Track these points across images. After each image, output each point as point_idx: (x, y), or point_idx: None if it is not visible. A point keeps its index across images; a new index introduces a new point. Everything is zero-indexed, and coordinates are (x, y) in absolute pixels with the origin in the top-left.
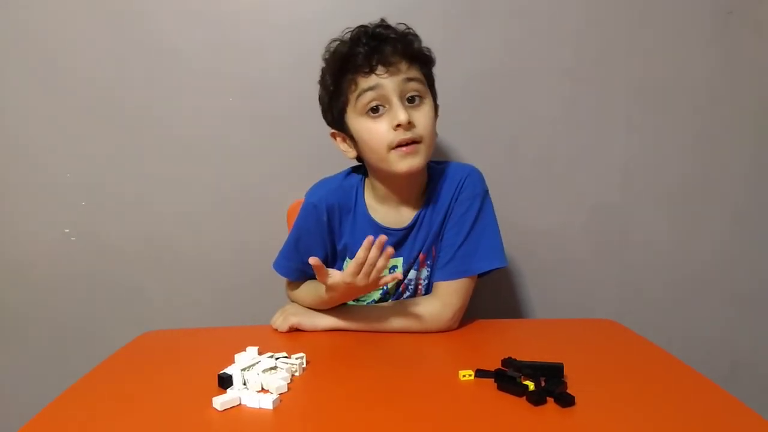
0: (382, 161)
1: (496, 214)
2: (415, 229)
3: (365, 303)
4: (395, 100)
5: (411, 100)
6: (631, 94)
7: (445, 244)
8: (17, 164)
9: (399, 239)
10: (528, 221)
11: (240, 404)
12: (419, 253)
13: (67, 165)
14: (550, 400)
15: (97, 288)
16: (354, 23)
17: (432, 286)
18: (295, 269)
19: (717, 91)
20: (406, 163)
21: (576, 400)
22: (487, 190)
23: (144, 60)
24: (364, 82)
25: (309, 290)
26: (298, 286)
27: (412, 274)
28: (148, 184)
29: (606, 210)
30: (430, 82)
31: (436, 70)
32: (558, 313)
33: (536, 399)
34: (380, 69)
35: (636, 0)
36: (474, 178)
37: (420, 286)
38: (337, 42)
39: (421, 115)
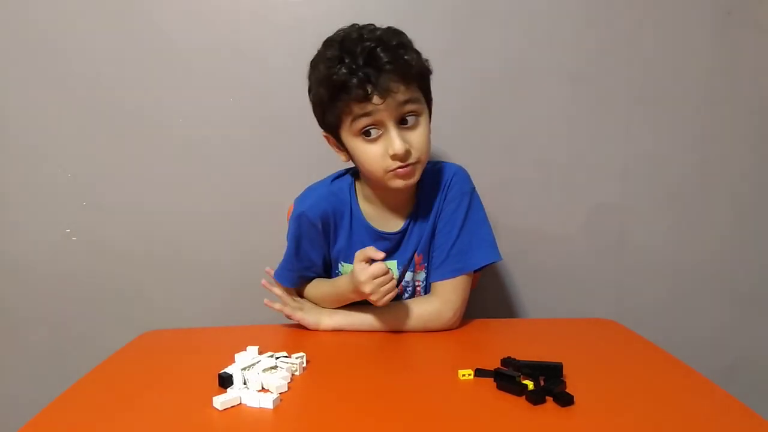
0: (378, 180)
1: (496, 214)
2: (408, 232)
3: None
4: (391, 126)
5: (406, 120)
6: (631, 95)
7: (438, 245)
8: (18, 164)
9: (394, 243)
10: (528, 221)
11: (240, 404)
12: (413, 255)
13: (68, 165)
14: (549, 399)
15: (98, 287)
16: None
17: (430, 287)
18: (298, 277)
19: (717, 91)
20: (402, 182)
21: (575, 400)
22: (474, 188)
23: (144, 60)
24: (359, 108)
25: (320, 287)
26: (302, 290)
27: (408, 275)
28: (148, 184)
29: (606, 210)
30: (426, 92)
31: (437, 71)
32: (557, 313)
33: (535, 398)
34: (376, 98)
35: (636, 0)
36: (460, 176)
37: (418, 288)
38: (328, 60)
39: (417, 136)
